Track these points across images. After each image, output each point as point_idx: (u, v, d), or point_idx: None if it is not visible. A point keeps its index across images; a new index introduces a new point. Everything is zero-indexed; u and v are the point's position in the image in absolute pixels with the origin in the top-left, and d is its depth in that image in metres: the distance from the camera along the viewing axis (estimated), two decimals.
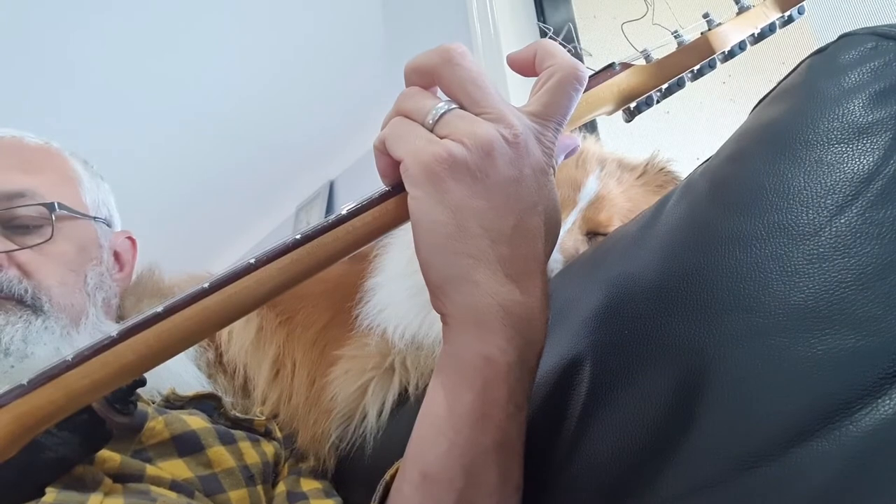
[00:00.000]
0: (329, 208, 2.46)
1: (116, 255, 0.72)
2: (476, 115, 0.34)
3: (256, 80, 2.17)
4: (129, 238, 0.76)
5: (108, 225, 0.72)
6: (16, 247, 0.60)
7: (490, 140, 0.33)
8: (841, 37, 0.39)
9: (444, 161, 0.33)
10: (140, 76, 2.05)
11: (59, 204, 0.63)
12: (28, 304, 0.58)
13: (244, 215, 2.77)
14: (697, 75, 0.42)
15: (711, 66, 0.42)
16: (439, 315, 0.36)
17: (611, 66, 0.41)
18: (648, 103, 0.42)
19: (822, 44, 0.40)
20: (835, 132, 0.35)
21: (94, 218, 0.69)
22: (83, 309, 0.63)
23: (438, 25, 1.52)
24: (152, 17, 1.87)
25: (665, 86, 0.42)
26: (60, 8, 1.76)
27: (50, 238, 0.61)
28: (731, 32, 0.42)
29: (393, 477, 0.42)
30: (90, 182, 0.71)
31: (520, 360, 0.35)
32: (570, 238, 0.61)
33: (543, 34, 1.27)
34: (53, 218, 0.62)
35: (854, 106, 0.35)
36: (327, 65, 2.15)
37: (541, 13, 1.36)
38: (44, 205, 0.62)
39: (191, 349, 0.65)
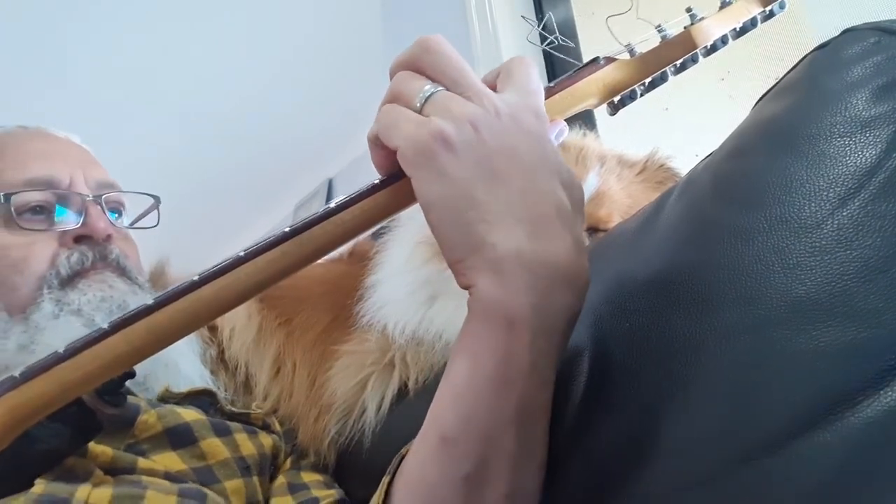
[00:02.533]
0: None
1: None
2: (459, 94, 0.36)
3: (256, 80, 2.17)
4: None
5: None
6: (123, 228, 0.67)
7: (476, 114, 0.35)
8: (843, 32, 0.39)
9: (437, 138, 0.34)
10: (140, 75, 2.05)
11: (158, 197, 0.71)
12: (133, 279, 0.63)
13: (243, 213, 2.78)
14: (680, 69, 0.43)
15: (694, 60, 0.43)
16: (465, 290, 0.36)
17: (595, 60, 0.41)
18: (632, 97, 0.42)
19: (820, 40, 0.40)
20: (837, 126, 0.35)
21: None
22: (150, 293, 0.66)
23: (437, 24, 1.51)
24: (152, 15, 1.87)
25: (649, 79, 0.42)
26: (59, 6, 1.76)
27: (156, 224, 0.70)
28: (713, 27, 0.43)
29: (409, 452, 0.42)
30: None
31: (544, 326, 0.34)
32: None
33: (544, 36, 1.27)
34: (159, 208, 0.70)
35: (857, 100, 0.35)
36: (326, 64, 2.15)
37: (539, 10, 1.36)
38: (152, 196, 0.70)
39: (196, 345, 0.66)
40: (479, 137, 0.34)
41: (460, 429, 0.35)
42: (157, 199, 0.71)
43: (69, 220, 0.61)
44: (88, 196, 0.63)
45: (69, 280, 0.59)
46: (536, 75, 0.38)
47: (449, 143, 0.34)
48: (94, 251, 0.61)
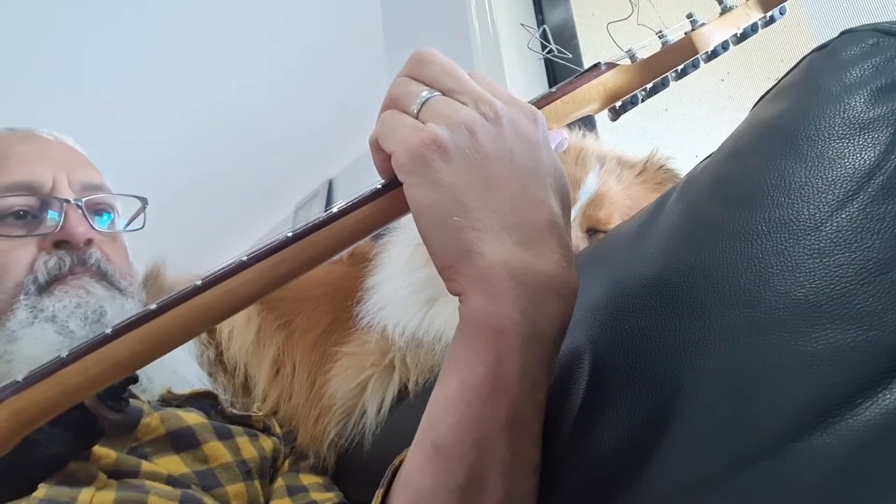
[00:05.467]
0: (328, 207, 2.46)
1: None
2: (455, 99, 0.36)
3: (256, 80, 2.17)
4: None
5: None
6: (107, 231, 0.66)
7: (471, 118, 0.35)
8: (842, 33, 0.39)
9: (430, 144, 0.34)
10: (140, 75, 2.05)
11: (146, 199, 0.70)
12: (114, 284, 0.62)
13: (243, 214, 2.78)
14: (681, 75, 0.43)
15: (695, 65, 0.43)
16: (457, 297, 0.36)
17: (597, 65, 0.41)
18: (633, 102, 0.42)
19: (820, 41, 0.40)
20: (836, 128, 0.35)
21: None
22: (138, 298, 0.66)
23: (437, 24, 1.52)
24: (151, 14, 1.87)
25: (650, 85, 0.42)
26: (59, 4, 1.76)
27: (142, 227, 0.69)
28: (714, 33, 0.43)
29: (402, 462, 0.42)
30: None
31: (535, 333, 0.34)
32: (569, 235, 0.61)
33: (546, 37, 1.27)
34: (145, 211, 0.70)
35: (855, 102, 0.35)
36: (326, 64, 2.15)
37: (539, 12, 1.36)
38: (139, 198, 0.70)
39: (193, 347, 0.66)
40: (474, 142, 0.34)
41: (452, 437, 0.35)
42: (144, 202, 0.70)
43: (49, 225, 0.61)
44: (69, 199, 0.62)
45: (46, 286, 0.58)
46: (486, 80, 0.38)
47: (442, 150, 0.34)
48: (72, 256, 0.60)
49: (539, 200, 0.35)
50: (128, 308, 0.61)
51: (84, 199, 0.63)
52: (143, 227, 0.70)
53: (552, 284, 0.34)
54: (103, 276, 0.62)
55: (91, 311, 0.58)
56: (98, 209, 0.66)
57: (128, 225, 0.70)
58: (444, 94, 0.36)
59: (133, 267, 0.68)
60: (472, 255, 0.34)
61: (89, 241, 0.62)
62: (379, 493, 0.41)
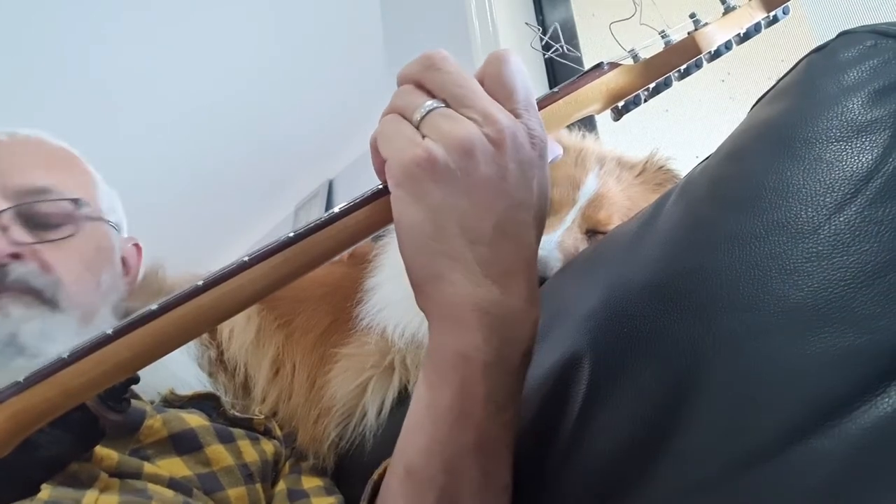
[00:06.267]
0: (328, 207, 2.47)
1: (123, 261, 0.73)
2: (461, 113, 0.35)
3: (256, 80, 2.17)
4: (136, 245, 0.76)
5: (118, 230, 0.72)
6: (36, 239, 0.60)
7: (470, 139, 0.34)
8: (840, 34, 0.39)
9: (422, 163, 0.34)
10: (140, 75, 2.05)
11: (83, 201, 0.64)
12: (46, 299, 0.58)
13: (243, 214, 2.78)
14: (684, 75, 0.43)
15: (698, 65, 0.43)
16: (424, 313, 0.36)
17: (599, 65, 0.41)
18: (636, 102, 0.42)
19: (821, 41, 0.40)
20: (834, 130, 0.35)
21: (108, 222, 0.70)
22: (95, 309, 0.63)
23: (437, 24, 1.52)
24: (150, 13, 1.87)
25: (652, 85, 0.42)
26: (59, 4, 1.76)
27: (74, 234, 0.62)
28: (717, 32, 0.43)
29: (381, 476, 0.42)
30: (103, 186, 0.72)
31: (498, 360, 0.35)
32: (569, 236, 0.61)
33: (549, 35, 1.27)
34: (79, 212, 0.63)
35: (853, 104, 0.35)
36: (326, 64, 2.15)
37: (539, 11, 1.36)
38: (71, 200, 0.63)
39: (193, 348, 0.66)
40: (469, 165, 0.34)
41: (422, 460, 0.36)
42: (76, 203, 0.64)
43: None
44: None
45: None
46: (521, 75, 0.36)
47: (434, 170, 0.33)
48: None
49: (517, 233, 0.35)
50: (54, 323, 0.56)
51: (15, 208, 0.58)
52: (73, 234, 0.63)
53: (515, 317, 0.35)
54: (29, 292, 0.57)
55: None
56: (36, 219, 0.60)
57: (100, 218, 0.66)
58: (448, 104, 0.35)
59: (104, 270, 0.65)
60: (441, 282, 0.34)
61: (15, 256, 0.57)
62: None
